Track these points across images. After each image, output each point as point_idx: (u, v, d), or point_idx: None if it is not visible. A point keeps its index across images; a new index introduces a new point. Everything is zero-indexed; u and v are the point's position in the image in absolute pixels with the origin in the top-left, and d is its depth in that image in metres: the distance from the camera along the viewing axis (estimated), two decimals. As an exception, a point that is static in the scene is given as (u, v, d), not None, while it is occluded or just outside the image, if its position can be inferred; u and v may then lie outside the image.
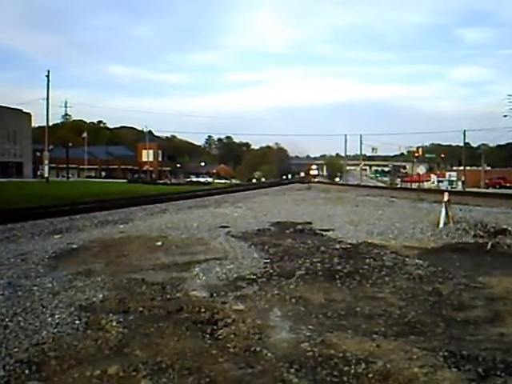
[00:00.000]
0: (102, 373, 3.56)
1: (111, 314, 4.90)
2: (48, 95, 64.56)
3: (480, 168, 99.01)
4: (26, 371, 3.58)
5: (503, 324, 4.75)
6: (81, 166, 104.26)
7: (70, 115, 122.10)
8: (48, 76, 64.68)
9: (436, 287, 6.17)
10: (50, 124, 74.02)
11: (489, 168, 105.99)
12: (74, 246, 9.12)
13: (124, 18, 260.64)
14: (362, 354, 3.85)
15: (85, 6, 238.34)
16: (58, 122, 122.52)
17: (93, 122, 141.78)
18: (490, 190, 58.80)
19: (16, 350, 3.95)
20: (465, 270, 7.15)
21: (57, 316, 4.81)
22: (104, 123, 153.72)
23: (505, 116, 75.54)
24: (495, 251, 8.88)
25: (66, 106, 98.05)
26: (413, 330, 4.54)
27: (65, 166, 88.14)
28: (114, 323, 4.64)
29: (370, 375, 3.49)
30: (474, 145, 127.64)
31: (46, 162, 63.64)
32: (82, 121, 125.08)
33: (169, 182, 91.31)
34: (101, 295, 5.65)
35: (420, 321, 4.83)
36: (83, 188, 44.46)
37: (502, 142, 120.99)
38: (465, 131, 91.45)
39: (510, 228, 10.92)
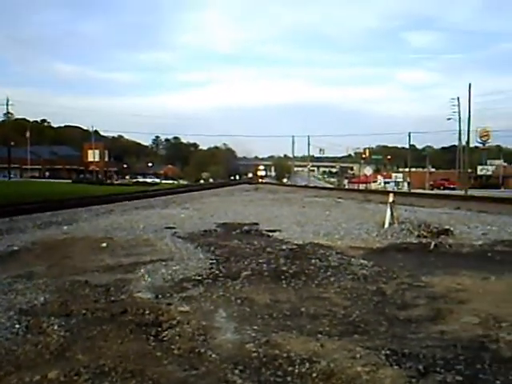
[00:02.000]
0: (42, 378, 3.47)
1: (53, 318, 4.79)
2: (-11, 93, 62.99)
3: (425, 170, 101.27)
4: (-39, 378, 3.46)
5: (444, 322, 4.85)
6: (24, 166, 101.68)
7: (12, 113, 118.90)
8: (-10, 73, 63.08)
9: (380, 287, 6.27)
10: (-8, 122, 71.99)
11: (433, 170, 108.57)
12: (15, 248, 8.88)
13: (70, 14, 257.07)
14: (306, 354, 3.87)
15: (29, 0, 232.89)
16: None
17: (36, 121, 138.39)
18: (435, 191, 60.23)
19: (-49, 356, 3.82)
20: (408, 270, 7.29)
21: (-5, 320, 4.67)
22: (48, 122, 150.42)
23: (448, 119, 77.50)
24: (438, 251, 9.10)
25: (7, 104, 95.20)
26: (356, 330, 4.60)
27: (6, 165, 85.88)
28: (56, 327, 4.53)
29: (314, 375, 3.52)
30: (420, 147, 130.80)
31: (-13, 161, 62.04)
32: (24, 119, 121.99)
33: (115, 182, 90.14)
34: (42, 298, 5.51)
35: (364, 320, 4.89)
36: (26, 188, 43.42)
37: (446, 145, 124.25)
38: (410, 133, 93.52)
39: (452, 228, 11.21)
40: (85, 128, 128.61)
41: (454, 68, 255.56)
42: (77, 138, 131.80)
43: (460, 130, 74.36)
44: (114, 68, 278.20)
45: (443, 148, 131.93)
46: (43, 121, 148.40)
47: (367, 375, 3.46)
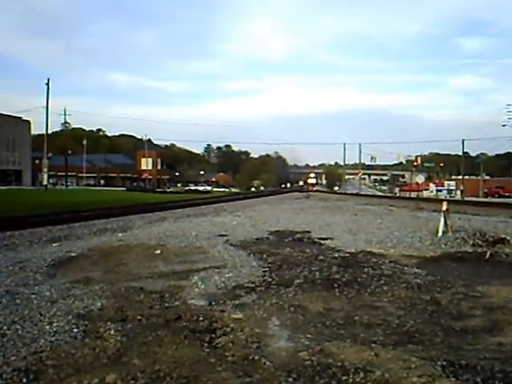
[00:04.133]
0: (100, 381, 3.55)
1: (109, 323, 4.89)
2: (47, 103, 64.74)
3: (479, 177, 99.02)
4: (24, 380, 3.57)
5: (502, 333, 4.74)
6: (79, 174, 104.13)
7: (69, 123, 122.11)
8: (48, 84, 64.89)
9: (434, 296, 6.17)
10: (50, 132, 73.96)
11: (488, 177, 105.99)
12: (73, 254, 9.10)
13: (123, 24, 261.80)
14: (361, 363, 3.84)
15: (84, 13, 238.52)
16: (57, 129, 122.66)
17: (92, 130, 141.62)
18: (489, 199, 58.79)
19: (14, 358, 3.94)
20: (463, 279, 7.16)
21: (55, 324, 4.81)
22: (103, 131, 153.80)
23: (503, 125, 75.66)
24: (494, 260, 8.90)
25: (65, 114, 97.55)
26: (411, 339, 4.54)
27: (64, 173, 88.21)
28: (112, 331, 4.63)
29: (369, 384, 3.49)
30: (473, 154, 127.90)
31: (45, 169, 63.67)
32: (81, 129, 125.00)
33: (167, 189, 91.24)
34: (99, 303, 5.64)
35: (418, 330, 4.83)
36: (82, 196, 44.44)
37: (501, 152, 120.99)
38: (463, 140, 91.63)
39: (508, 237, 10.93)
40: (138, 137, 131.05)
41: (508, 73, 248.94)
42: (130, 146, 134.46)
43: (516, 137, 72.41)
44: (165, 77, 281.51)
45: (497, 155, 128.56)
46: (99, 130, 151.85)
47: (423, 386, 3.41)
